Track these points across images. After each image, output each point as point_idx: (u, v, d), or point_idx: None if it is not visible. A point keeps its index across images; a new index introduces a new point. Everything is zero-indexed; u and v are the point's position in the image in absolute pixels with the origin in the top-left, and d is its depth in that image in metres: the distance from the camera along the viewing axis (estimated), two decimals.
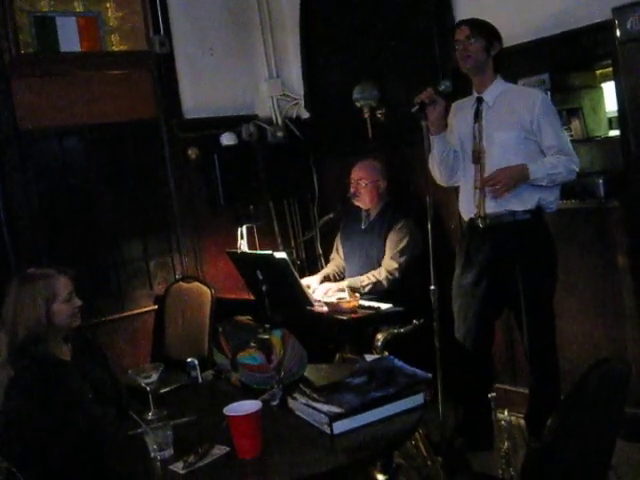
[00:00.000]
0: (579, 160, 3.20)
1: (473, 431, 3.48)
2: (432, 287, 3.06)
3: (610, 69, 3.43)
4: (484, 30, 3.21)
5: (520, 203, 3.20)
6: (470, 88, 3.37)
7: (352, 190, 4.06)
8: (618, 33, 3.14)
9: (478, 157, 3.24)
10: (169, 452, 2.08)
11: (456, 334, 3.42)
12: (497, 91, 3.26)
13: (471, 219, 3.33)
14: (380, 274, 3.86)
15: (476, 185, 3.26)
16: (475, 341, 3.41)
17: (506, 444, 2.72)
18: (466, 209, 3.37)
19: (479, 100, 3.29)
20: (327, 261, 4.50)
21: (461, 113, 3.40)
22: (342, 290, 3.80)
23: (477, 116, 3.27)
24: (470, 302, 3.36)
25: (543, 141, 3.19)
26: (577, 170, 3.18)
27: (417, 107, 3.14)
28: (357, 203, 4.09)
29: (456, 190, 3.52)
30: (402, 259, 3.85)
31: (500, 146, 3.20)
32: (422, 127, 3.18)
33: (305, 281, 3.95)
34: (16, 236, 4.13)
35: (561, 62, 3.54)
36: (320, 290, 3.88)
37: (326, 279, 4.15)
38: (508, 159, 3.17)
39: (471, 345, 3.41)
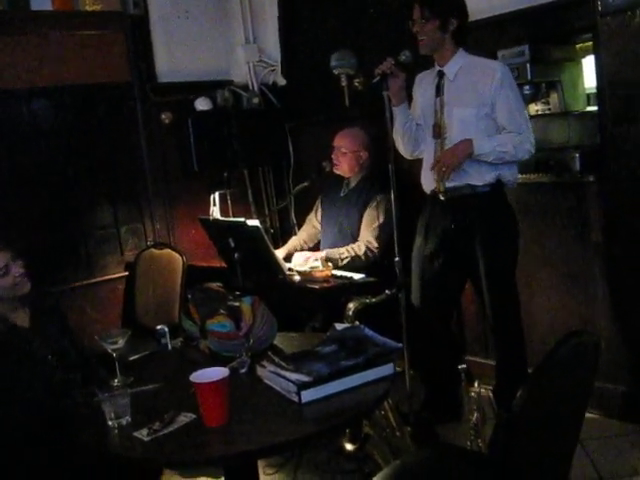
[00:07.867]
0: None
1: (440, 403, 3.50)
2: (396, 258, 3.04)
3: (590, 44, 3.40)
4: (436, 8, 3.10)
5: (479, 178, 3.17)
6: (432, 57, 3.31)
7: (333, 158, 4.01)
8: (599, 6, 3.11)
9: (439, 132, 3.21)
10: (126, 420, 2.04)
11: (413, 302, 3.39)
12: (458, 65, 3.20)
13: (432, 190, 3.30)
14: (360, 249, 3.78)
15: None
16: (436, 312, 3.41)
17: (475, 415, 2.73)
18: (427, 183, 3.34)
19: (440, 74, 3.24)
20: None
21: (424, 87, 3.35)
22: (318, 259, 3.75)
23: (438, 91, 3.24)
24: (429, 272, 3.34)
25: (497, 117, 3.14)
26: (532, 150, 3.13)
27: (378, 78, 3.09)
28: (336, 171, 4.04)
29: None
30: (383, 238, 3.75)
31: (460, 122, 3.16)
32: (384, 98, 3.10)
33: None
34: None
35: (541, 34, 3.49)
36: (299, 258, 3.82)
37: (291, 253, 4.09)
38: (468, 135, 3.12)
39: (430, 315, 3.40)
